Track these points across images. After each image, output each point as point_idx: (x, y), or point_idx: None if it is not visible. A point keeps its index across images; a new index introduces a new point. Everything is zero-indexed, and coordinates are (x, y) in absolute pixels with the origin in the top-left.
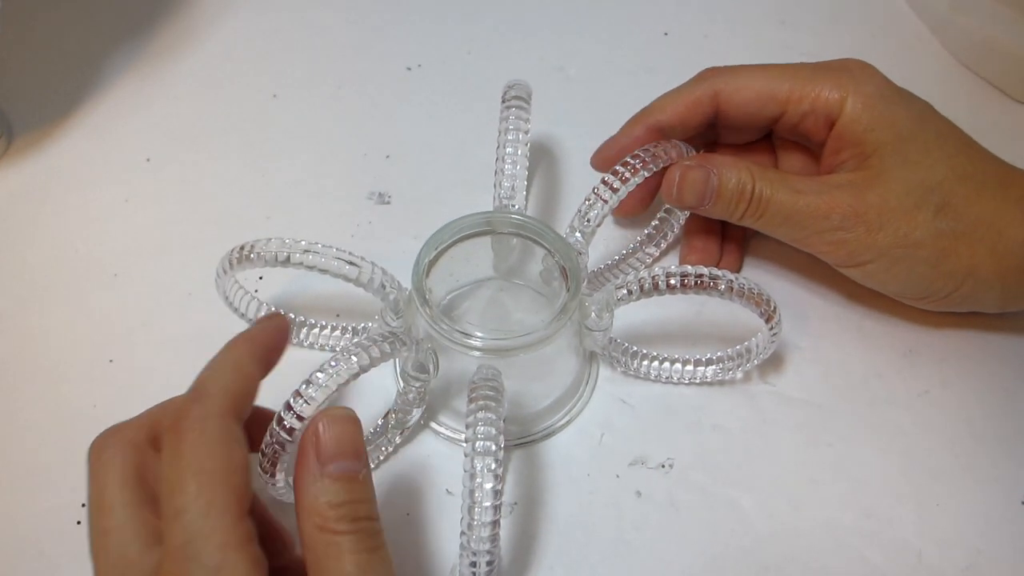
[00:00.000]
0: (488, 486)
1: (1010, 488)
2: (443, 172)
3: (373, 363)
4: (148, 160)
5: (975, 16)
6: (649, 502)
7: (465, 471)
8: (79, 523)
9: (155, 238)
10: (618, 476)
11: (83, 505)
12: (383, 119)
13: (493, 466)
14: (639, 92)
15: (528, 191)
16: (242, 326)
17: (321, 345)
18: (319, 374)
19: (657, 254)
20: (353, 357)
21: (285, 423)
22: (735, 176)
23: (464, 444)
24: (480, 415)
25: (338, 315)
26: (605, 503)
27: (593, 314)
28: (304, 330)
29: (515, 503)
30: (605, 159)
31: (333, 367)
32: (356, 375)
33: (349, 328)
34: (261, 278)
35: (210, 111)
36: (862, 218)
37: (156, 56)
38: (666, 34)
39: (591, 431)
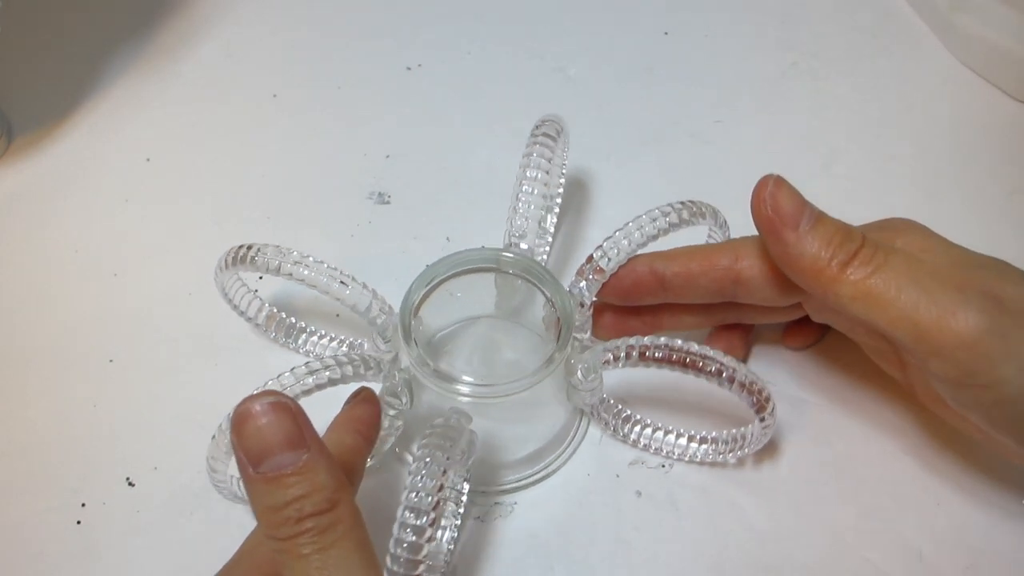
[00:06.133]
0: (409, 540)
1: (1011, 488)
2: (443, 172)
3: (332, 383)
4: (148, 160)
5: (975, 16)
6: (649, 502)
7: (397, 521)
8: (79, 523)
9: (155, 238)
10: (618, 476)
11: (83, 505)
12: (383, 119)
13: (425, 520)
14: (639, 92)
15: (559, 226)
16: (242, 324)
17: (316, 354)
18: (271, 382)
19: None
20: (309, 377)
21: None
22: (842, 222)
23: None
24: (424, 464)
25: (338, 315)
26: (605, 503)
27: (579, 373)
28: (303, 336)
29: (515, 503)
30: (611, 291)
31: (282, 383)
32: (308, 391)
33: (346, 342)
34: (261, 278)
35: (210, 111)
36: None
37: (156, 56)
38: (666, 34)
39: (591, 432)
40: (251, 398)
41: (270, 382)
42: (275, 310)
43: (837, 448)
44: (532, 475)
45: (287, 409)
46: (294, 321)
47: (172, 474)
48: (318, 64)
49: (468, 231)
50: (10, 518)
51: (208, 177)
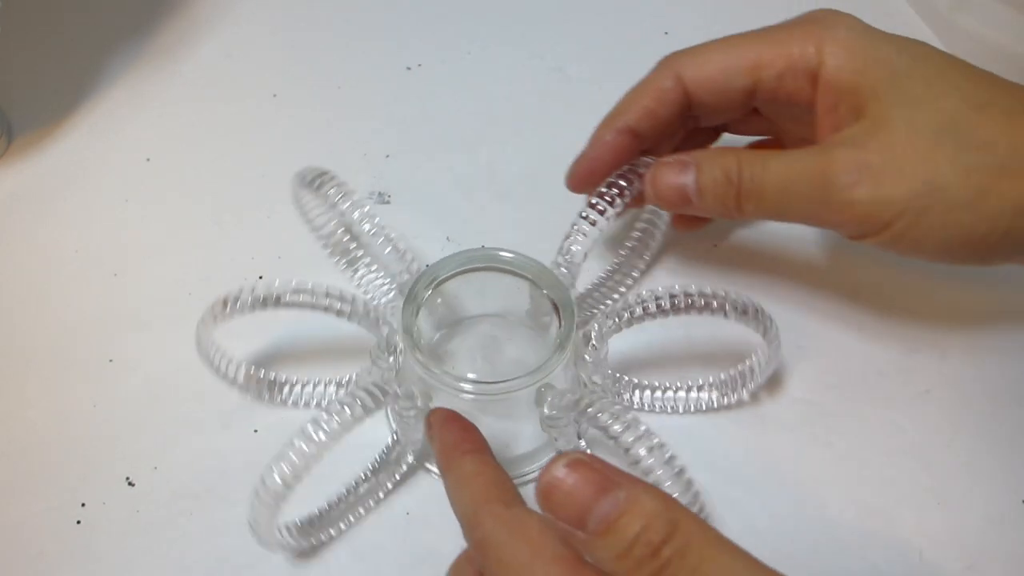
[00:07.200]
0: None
1: (1011, 487)
2: (443, 172)
3: (357, 420)
4: (148, 160)
5: (975, 16)
6: None
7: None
8: (79, 523)
9: (155, 238)
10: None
11: (83, 505)
12: (383, 119)
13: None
14: None
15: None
16: (242, 323)
17: (305, 403)
18: (300, 442)
19: (644, 267)
20: (335, 419)
21: (268, 486)
22: (719, 164)
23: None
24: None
25: (331, 353)
26: None
27: (593, 342)
28: (287, 389)
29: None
30: (579, 177)
31: (311, 435)
32: (335, 438)
33: (333, 382)
34: (257, 309)
35: (210, 111)
36: (869, 171)
37: (156, 56)
38: (666, 34)
39: (591, 430)
40: (549, 468)
41: (298, 442)
42: (252, 369)
43: (836, 448)
44: (531, 472)
45: (582, 463)
46: (274, 376)
47: (172, 474)
48: (318, 64)
49: (468, 231)
50: (10, 518)
51: (208, 177)
